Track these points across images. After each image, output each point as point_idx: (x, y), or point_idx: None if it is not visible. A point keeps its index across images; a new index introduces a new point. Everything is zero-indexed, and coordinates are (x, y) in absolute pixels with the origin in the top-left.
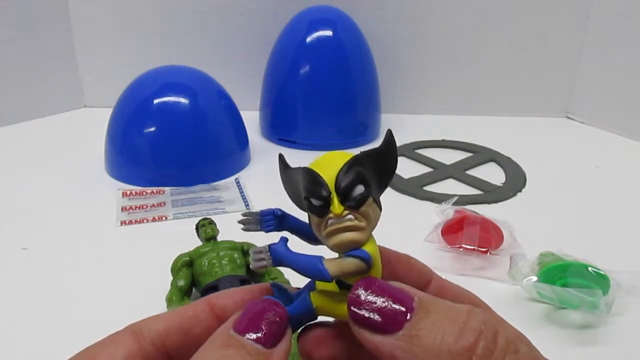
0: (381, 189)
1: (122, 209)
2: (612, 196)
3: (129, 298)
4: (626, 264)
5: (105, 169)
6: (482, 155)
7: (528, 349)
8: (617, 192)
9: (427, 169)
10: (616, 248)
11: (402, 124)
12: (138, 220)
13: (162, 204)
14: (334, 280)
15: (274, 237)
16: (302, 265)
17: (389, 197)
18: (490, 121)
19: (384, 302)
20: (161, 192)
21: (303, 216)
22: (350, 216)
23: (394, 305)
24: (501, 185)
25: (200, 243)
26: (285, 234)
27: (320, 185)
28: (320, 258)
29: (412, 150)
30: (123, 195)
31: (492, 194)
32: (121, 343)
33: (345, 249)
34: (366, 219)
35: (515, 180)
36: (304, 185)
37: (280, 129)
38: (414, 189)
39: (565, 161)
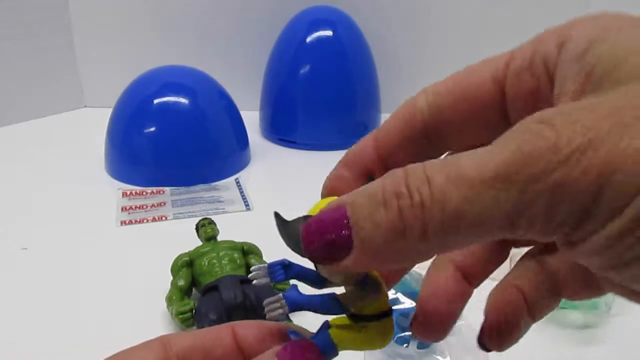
0: None
1: (122, 209)
2: None
3: (129, 298)
4: None
5: (105, 169)
6: None
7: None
8: None
9: None
10: None
11: None
12: (138, 220)
13: (162, 204)
14: (346, 315)
15: (273, 246)
16: (319, 304)
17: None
18: None
19: None
20: (161, 192)
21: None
22: None
23: None
24: None
25: (200, 243)
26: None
27: None
28: (333, 294)
29: None
30: (123, 195)
31: None
32: (152, 350)
33: (353, 280)
34: None
35: None
36: None
37: (280, 129)
38: None
39: None
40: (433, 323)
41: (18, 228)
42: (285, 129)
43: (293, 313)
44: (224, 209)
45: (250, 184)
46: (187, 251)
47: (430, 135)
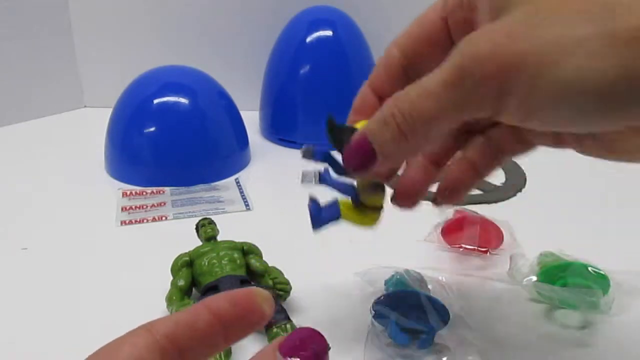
0: None
1: (122, 209)
2: (612, 196)
3: (128, 298)
4: (626, 264)
5: (105, 169)
6: None
7: None
8: (617, 192)
9: None
10: (616, 248)
11: None
12: (138, 220)
13: (162, 204)
14: (352, 200)
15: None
16: (342, 187)
17: (389, 196)
18: None
19: None
20: (161, 192)
21: None
22: None
23: None
24: (501, 185)
25: (200, 243)
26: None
27: None
28: (353, 184)
29: None
30: (123, 195)
31: (492, 194)
32: (140, 336)
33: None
34: None
35: (515, 180)
36: None
37: (280, 129)
38: None
39: (566, 161)
40: (410, 192)
41: (18, 228)
42: (285, 129)
43: (294, 314)
44: (224, 209)
45: (250, 184)
46: (187, 251)
47: (407, 72)
